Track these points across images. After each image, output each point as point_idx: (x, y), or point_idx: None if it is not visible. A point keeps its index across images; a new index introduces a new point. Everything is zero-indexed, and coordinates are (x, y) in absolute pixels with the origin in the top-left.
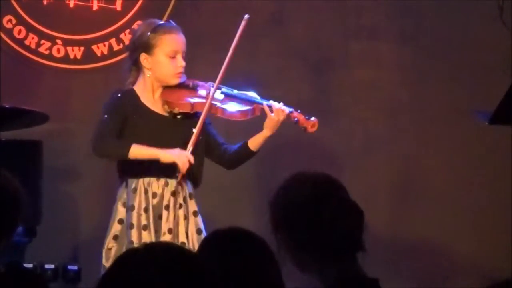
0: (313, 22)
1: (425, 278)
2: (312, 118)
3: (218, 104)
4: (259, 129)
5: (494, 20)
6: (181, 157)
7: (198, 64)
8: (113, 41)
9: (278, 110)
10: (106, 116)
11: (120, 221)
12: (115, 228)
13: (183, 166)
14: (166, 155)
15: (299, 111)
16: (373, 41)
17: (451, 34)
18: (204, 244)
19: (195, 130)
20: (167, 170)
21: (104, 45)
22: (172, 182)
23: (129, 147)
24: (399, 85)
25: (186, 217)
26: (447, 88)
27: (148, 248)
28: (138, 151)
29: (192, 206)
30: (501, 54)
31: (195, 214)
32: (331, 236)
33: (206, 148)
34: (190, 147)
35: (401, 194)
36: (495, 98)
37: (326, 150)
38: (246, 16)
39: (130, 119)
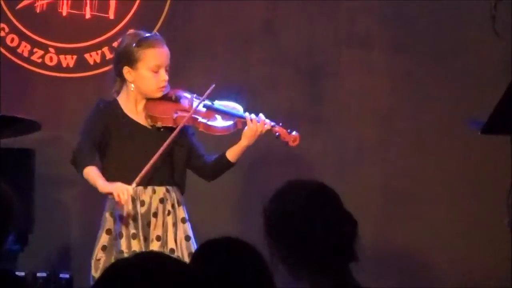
0: (305, 30)
1: (418, 286)
2: (294, 133)
3: (200, 119)
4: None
5: (487, 28)
6: (118, 188)
7: (190, 71)
8: (105, 49)
9: (255, 121)
10: (85, 128)
11: (108, 232)
12: (103, 238)
13: (119, 198)
14: (104, 185)
15: (281, 124)
16: (365, 49)
17: (443, 42)
18: (197, 253)
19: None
20: (154, 177)
21: (97, 54)
22: (160, 189)
23: (84, 168)
24: (391, 93)
25: (174, 224)
26: (439, 95)
27: (138, 258)
28: (87, 175)
29: (181, 213)
30: (493, 61)
31: (183, 220)
32: (324, 245)
33: (187, 158)
34: (136, 181)
35: (393, 202)
36: (487, 105)
37: (318, 158)
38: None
39: (113, 130)
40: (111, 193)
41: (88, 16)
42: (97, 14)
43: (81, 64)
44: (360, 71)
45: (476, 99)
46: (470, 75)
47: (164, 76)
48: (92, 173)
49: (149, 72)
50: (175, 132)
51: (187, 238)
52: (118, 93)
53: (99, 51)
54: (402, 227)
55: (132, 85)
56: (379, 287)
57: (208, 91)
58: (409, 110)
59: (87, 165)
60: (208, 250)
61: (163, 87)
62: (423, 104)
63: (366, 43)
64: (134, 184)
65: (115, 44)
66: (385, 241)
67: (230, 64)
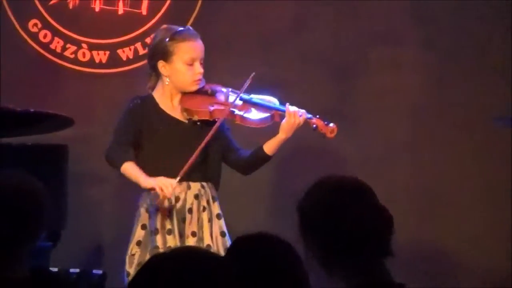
0: (334, 29)
1: (447, 285)
2: (331, 124)
3: (237, 111)
4: (276, 133)
5: None
6: (161, 181)
7: (221, 68)
8: (138, 45)
9: (296, 113)
10: (121, 124)
11: (143, 227)
12: (138, 233)
13: (163, 193)
14: (147, 180)
15: (318, 116)
16: (393, 46)
17: (471, 39)
18: (231, 248)
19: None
20: (189, 173)
21: (130, 49)
22: (195, 185)
23: (122, 163)
24: (420, 91)
25: (210, 220)
26: (468, 93)
27: (174, 252)
28: (127, 171)
29: (216, 208)
30: None
31: (218, 216)
32: (359, 240)
33: (222, 153)
34: (179, 176)
35: (422, 200)
36: None
37: (346, 156)
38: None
39: (148, 125)
40: (153, 188)
41: (120, 12)
42: (130, 10)
43: (114, 60)
44: (389, 69)
45: (506, 95)
46: (499, 72)
47: (199, 69)
48: (132, 169)
49: (184, 65)
50: (217, 125)
51: (223, 234)
52: (153, 88)
53: (132, 47)
54: (430, 224)
55: (167, 80)
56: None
57: (247, 83)
58: (438, 107)
59: (126, 161)
60: (243, 245)
61: (198, 80)
62: (452, 101)
63: (395, 41)
64: (177, 178)
65: (147, 40)
66: (413, 239)
67: (259, 62)
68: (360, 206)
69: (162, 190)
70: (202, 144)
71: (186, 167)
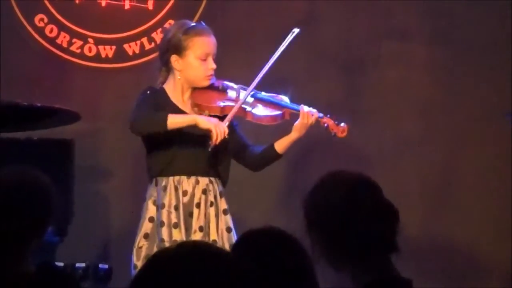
0: (344, 23)
1: (458, 280)
2: (342, 124)
3: (248, 108)
4: (288, 131)
5: None
6: (218, 126)
7: (228, 65)
8: (144, 40)
9: (308, 113)
10: (140, 104)
11: (151, 219)
12: (146, 226)
13: (218, 135)
14: (204, 121)
15: (329, 116)
16: (404, 41)
17: (483, 34)
18: (238, 242)
19: (235, 105)
20: (198, 168)
21: (136, 44)
22: (203, 180)
23: (166, 117)
24: (431, 86)
25: (216, 215)
26: (479, 89)
27: (181, 247)
28: (176, 120)
29: (223, 204)
30: None
31: (225, 212)
32: (365, 236)
33: (233, 150)
34: (227, 121)
35: (432, 196)
36: None
37: (357, 151)
38: (296, 30)
39: None
40: (210, 130)
41: (127, 6)
42: (136, 4)
43: (120, 55)
44: (399, 64)
45: None
46: (509, 67)
47: (212, 64)
48: (178, 116)
49: (197, 60)
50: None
51: (229, 230)
52: (163, 83)
53: (138, 42)
54: (442, 220)
55: (180, 74)
56: (417, 280)
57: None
58: (448, 102)
59: (166, 114)
60: (249, 240)
61: (210, 75)
62: (462, 96)
63: (406, 36)
64: (226, 123)
65: (154, 35)
66: (423, 234)
67: (268, 58)
68: (367, 201)
69: (217, 135)
70: (231, 114)
71: (231, 114)
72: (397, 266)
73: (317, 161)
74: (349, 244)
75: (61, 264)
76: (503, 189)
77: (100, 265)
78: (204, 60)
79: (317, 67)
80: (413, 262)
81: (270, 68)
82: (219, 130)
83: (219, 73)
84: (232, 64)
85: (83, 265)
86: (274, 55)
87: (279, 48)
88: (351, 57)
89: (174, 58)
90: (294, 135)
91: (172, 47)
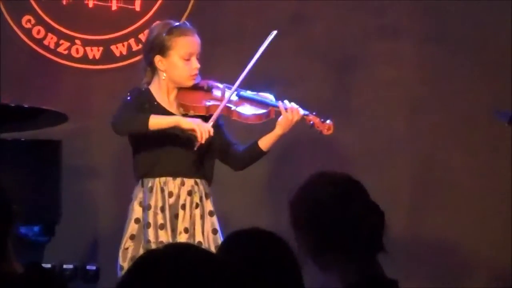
0: (334, 21)
1: (447, 279)
2: (328, 121)
3: (233, 107)
4: (272, 128)
5: None
6: (202, 126)
7: (217, 64)
8: (132, 41)
9: (293, 110)
10: (126, 99)
11: (137, 221)
12: (132, 227)
13: (202, 134)
14: (187, 122)
15: (314, 113)
16: (394, 40)
17: (473, 33)
18: (224, 244)
19: (220, 104)
20: (183, 169)
21: (123, 45)
22: (189, 181)
23: (148, 118)
24: (421, 84)
25: (202, 217)
26: (469, 87)
27: (168, 248)
28: (157, 121)
29: (208, 205)
30: None
31: (211, 214)
32: (351, 236)
33: (218, 149)
34: (212, 120)
35: (422, 194)
36: None
37: (346, 150)
38: (275, 32)
39: None
40: (194, 130)
41: (114, 8)
42: (123, 6)
43: (108, 56)
44: (389, 63)
45: (506, 90)
46: (500, 64)
47: (196, 64)
48: (161, 117)
49: (181, 60)
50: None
51: (214, 232)
52: (149, 83)
53: (126, 43)
54: (431, 218)
55: (164, 74)
56: (406, 279)
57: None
58: (438, 101)
59: (148, 115)
60: (235, 241)
61: (195, 75)
62: (452, 95)
63: (396, 35)
64: (210, 123)
65: (141, 36)
66: (415, 233)
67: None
68: (351, 202)
69: (201, 134)
70: (217, 113)
71: (215, 114)
72: (385, 266)
73: (305, 160)
74: (335, 244)
75: (49, 265)
76: (493, 188)
77: (88, 266)
78: (188, 60)
79: (307, 66)
80: (401, 262)
81: (252, 67)
82: (203, 129)
83: (208, 72)
84: (221, 63)
85: (71, 266)
86: (254, 56)
87: (259, 49)
88: (341, 56)
89: (158, 59)
90: (277, 131)
91: (156, 47)
